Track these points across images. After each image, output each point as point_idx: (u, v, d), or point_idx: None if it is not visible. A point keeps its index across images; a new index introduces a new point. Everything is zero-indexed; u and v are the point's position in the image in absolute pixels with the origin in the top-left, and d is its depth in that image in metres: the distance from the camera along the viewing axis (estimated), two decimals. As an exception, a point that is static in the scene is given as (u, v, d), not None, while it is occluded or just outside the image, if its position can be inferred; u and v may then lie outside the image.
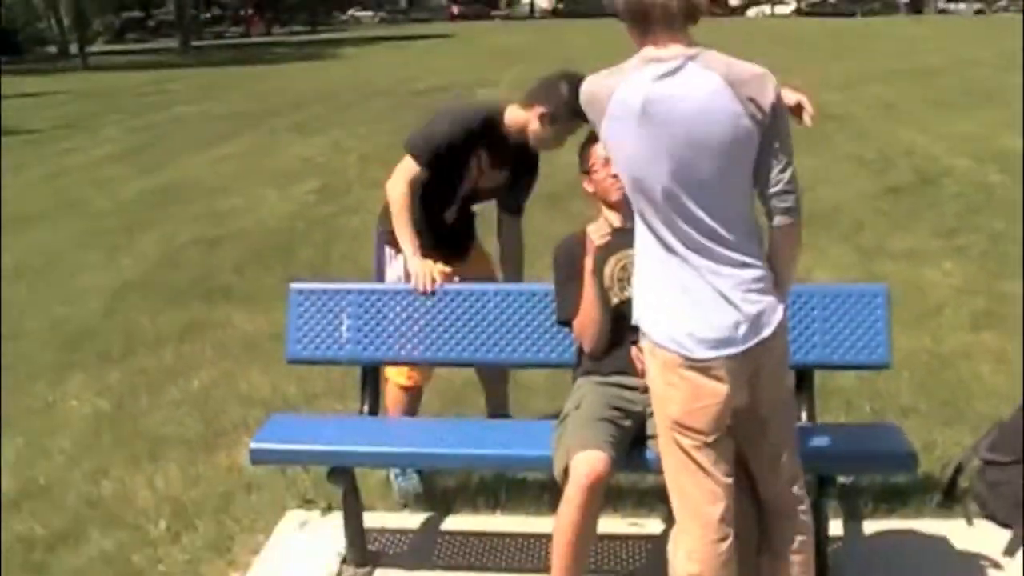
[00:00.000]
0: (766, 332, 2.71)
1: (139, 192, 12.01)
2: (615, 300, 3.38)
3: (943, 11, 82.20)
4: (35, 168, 14.25)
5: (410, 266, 3.92)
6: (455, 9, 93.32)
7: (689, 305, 2.70)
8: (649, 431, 3.31)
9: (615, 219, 3.39)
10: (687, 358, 2.69)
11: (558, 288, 3.56)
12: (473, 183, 4.13)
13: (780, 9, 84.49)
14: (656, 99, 2.59)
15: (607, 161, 3.26)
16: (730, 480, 2.80)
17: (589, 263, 3.32)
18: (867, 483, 4.21)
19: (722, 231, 2.67)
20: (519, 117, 4.02)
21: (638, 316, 2.83)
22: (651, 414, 3.30)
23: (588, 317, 3.37)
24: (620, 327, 3.37)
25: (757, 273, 2.72)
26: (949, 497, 4.10)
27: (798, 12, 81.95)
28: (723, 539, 2.78)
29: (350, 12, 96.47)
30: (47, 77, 35.01)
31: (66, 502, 4.40)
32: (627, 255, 3.36)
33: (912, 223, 8.86)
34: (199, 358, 6.15)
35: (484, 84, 23.77)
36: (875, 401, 5.00)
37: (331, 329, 3.85)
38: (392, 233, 4.06)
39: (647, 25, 2.65)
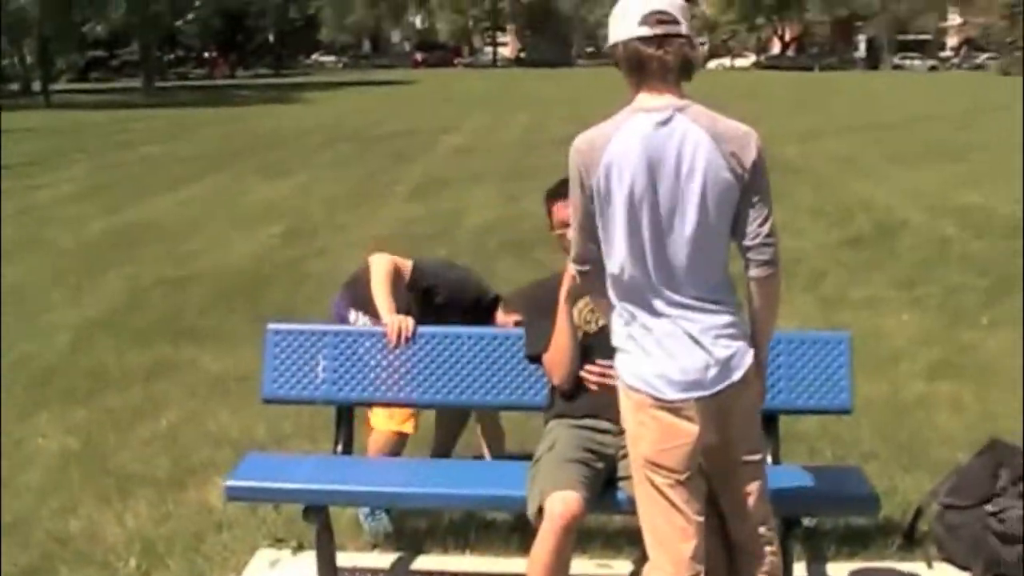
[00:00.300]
0: (736, 376, 2.80)
1: (104, 231, 11.99)
2: (582, 333, 3.47)
3: (898, 67, 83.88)
4: (4, 203, 14.16)
5: (384, 321, 4.00)
6: (418, 56, 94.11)
7: (661, 348, 2.80)
8: (620, 472, 3.39)
9: None
10: (657, 399, 2.79)
11: (528, 325, 3.66)
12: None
13: (739, 62, 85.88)
14: (647, 149, 2.71)
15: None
16: (701, 519, 2.88)
17: (564, 293, 3.40)
18: (830, 526, 4.29)
19: (697, 278, 2.78)
20: (502, 319, 4.22)
21: (615, 359, 2.92)
22: (623, 456, 3.39)
23: (560, 348, 3.46)
24: (588, 364, 3.46)
25: (728, 319, 2.82)
26: (909, 540, 4.20)
27: (757, 65, 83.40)
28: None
29: (314, 56, 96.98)
30: (10, 113, 34.78)
31: (33, 539, 4.38)
32: None
33: (871, 274, 9.05)
34: (166, 398, 6.15)
35: (447, 130, 23.99)
36: (837, 447, 5.10)
37: (307, 369, 3.91)
38: (356, 295, 4.24)
39: (642, 76, 2.78)
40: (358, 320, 4.27)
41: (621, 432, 3.37)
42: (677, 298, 2.79)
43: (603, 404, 3.42)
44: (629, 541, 4.15)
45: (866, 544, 4.19)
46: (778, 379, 3.74)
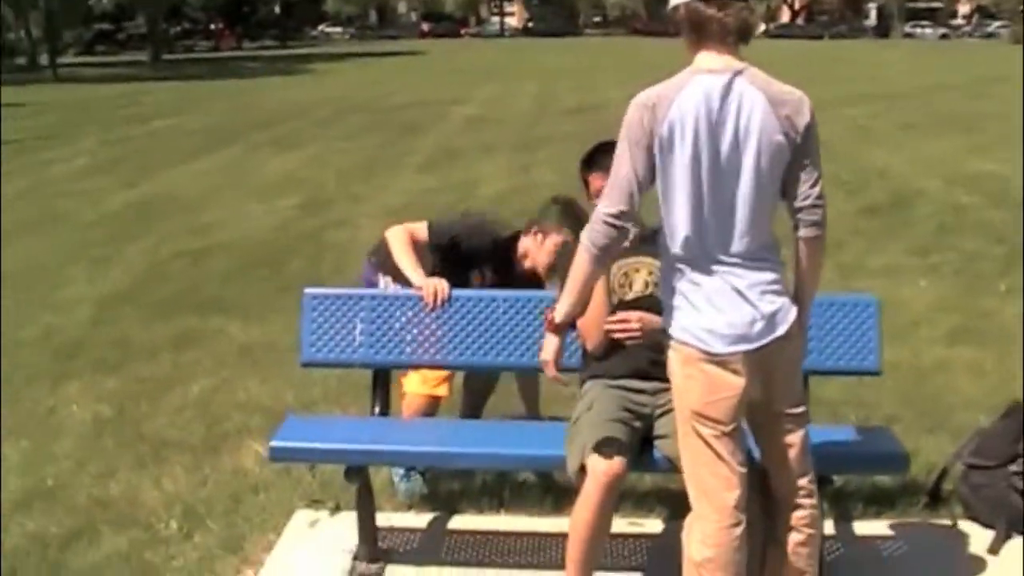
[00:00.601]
0: (781, 330, 2.92)
1: (122, 204, 12.08)
2: (616, 299, 3.56)
3: (909, 35, 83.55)
4: (17, 178, 14.27)
5: (417, 284, 4.07)
6: (425, 27, 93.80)
7: (709, 303, 2.90)
8: (656, 432, 3.48)
9: None
10: (706, 352, 2.89)
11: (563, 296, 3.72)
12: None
13: (756, 27, 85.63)
14: (709, 110, 2.81)
15: None
16: (744, 470, 2.99)
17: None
18: (856, 487, 4.39)
19: (746, 236, 2.89)
20: (524, 243, 4.28)
21: (664, 316, 3.02)
22: (659, 415, 3.49)
23: (595, 315, 3.54)
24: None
25: (773, 275, 2.94)
26: (934, 500, 4.29)
27: (767, 34, 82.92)
28: (736, 524, 2.95)
29: (320, 28, 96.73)
30: (19, 88, 34.86)
31: (76, 502, 4.49)
32: (627, 263, 3.55)
33: (888, 242, 9.12)
34: (196, 367, 6.25)
35: (458, 101, 24.00)
36: (860, 410, 5.19)
37: (345, 333, 3.99)
38: (382, 261, 4.32)
39: (702, 37, 2.88)
40: (388, 286, 4.35)
41: (656, 392, 3.49)
42: (729, 254, 2.90)
43: (638, 364, 3.52)
44: (659, 500, 4.27)
45: (892, 504, 4.29)
46: (808, 340, 3.81)
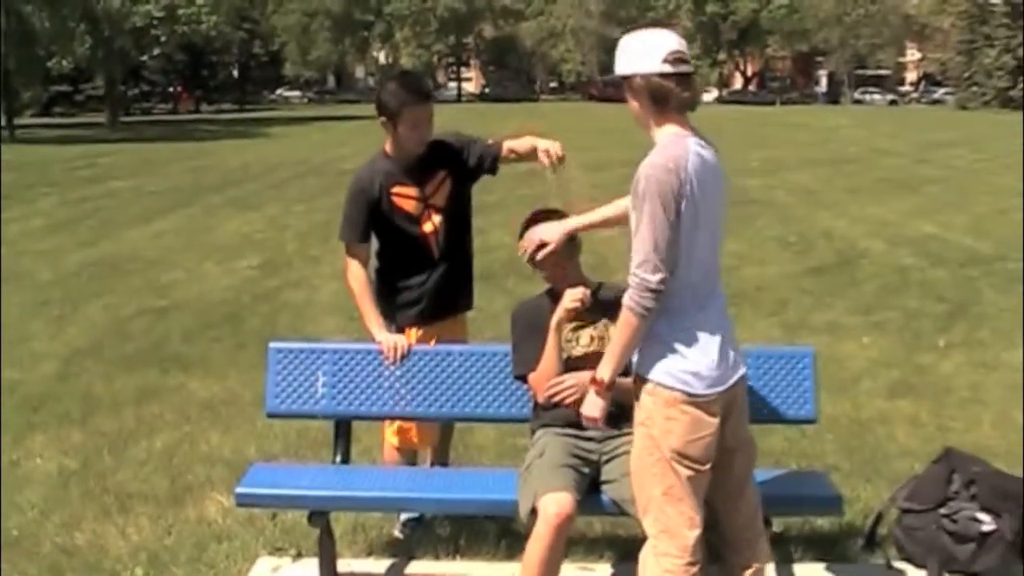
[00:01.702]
0: (742, 370, 3.24)
1: (81, 264, 12.15)
2: (565, 355, 3.77)
3: (859, 101, 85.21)
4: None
5: (378, 339, 4.25)
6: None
7: (696, 348, 3.14)
8: (603, 477, 3.68)
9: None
10: (689, 395, 3.11)
11: (516, 345, 3.94)
12: (420, 211, 4.35)
13: (702, 96, 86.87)
14: (707, 166, 3.10)
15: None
16: (703, 512, 3.21)
17: (556, 321, 3.70)
18: (796, 531, 4.60)
19: (716, 281, 3.22)
20: (388, 145, 4.38)
21: (638, 362, 3.21)
22: (606, 461, 3.69)
23: (546, 371, 3.74)
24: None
25: (730, 322, 3.26)
26: (870, 543, 4.50)
27: (720, 100, 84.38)
28: (695, 563, 3.18)
29: (279, 92, 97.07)
30: (-27, 149, 34.76)
31: (41, 551, 4.61)
32: (576, 323, 3.78)
33: (833, 300, 9.43)
34: (159, 421, 6.37)
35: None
36: (802, 460, 5.42)
37: (308, 385, 4.18)
38: None
39: (663, 107, 3.13)
40: None
41: (603, 439, 3.70)
42: (716, 296, 3.21)
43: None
44: (609, 545, 4.45)
45: (831, 547, 4.51)
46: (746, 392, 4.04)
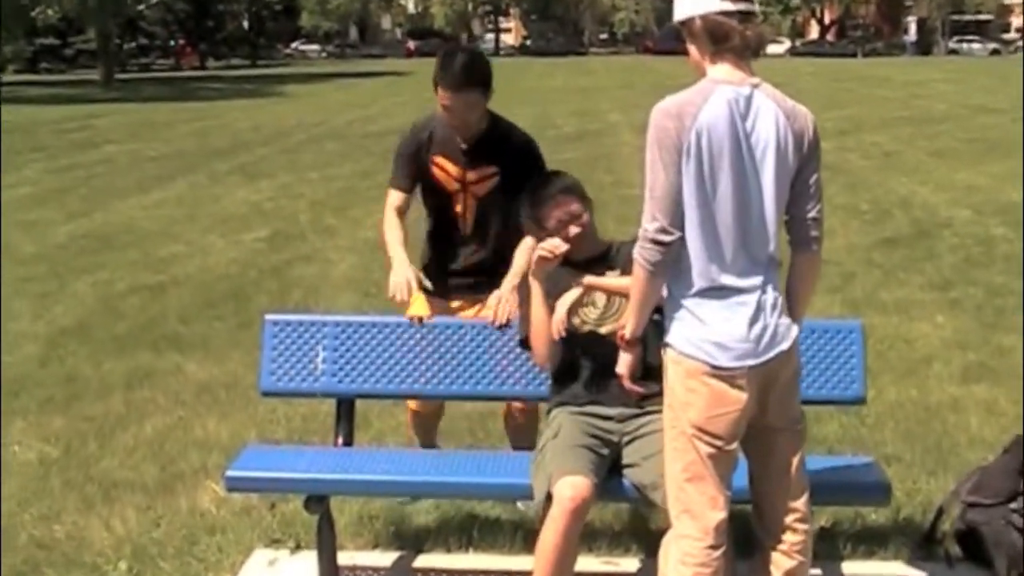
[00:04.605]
0: (784, 345, 3.29)
1: (69, 237, 12.40)
2: (585, 329, 3.90)
3: (954, 51, 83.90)
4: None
5: (390, 278, 4.39)
6: (411, 45, 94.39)
7: (718, 317, 3.23)
8: (625, 460, 3.80)
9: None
10: (712, 366, 3.22)
11: (524, 312, 4.08)
12: (455, 190, 4.59)
13: (772, 48, 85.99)
14: (734, 120, 3.16)
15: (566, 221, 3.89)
16: (729, 493, 3.32)
17: (532, 271, 3.86)
18: (846, 525, 4.70)
19: (769, 247, 3.27)
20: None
21: (666, 327, 3.33)
22: (627, 443, 3.81)
23: (537, 326, 3.90)
24: (589, 356, 3.88)
25: (777, 292, 3.32)
26: (930, 540, 4.59)
27: (792, 52, 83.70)
28: (718, 547, 3.29)
29: (294, 45, 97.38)
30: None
31: (16, 544, 4.78)
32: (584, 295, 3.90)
33: (905, 276, 9.49)
34: (150, 406, 6.56)
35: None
36: (857, 449, 5.50)
37: (307, 361, 4.32)
38: None
39: (720, 49, 3.22)
40: None
41: (624, 419, 3.82)
42: (756, 264, 3.26)
43: (605, 390, 3.85)
44: (635, 539, 4.58)
45: (883, 544, 4.59)
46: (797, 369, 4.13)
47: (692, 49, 3.29)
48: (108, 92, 45.87)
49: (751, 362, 3.23)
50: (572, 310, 3.87)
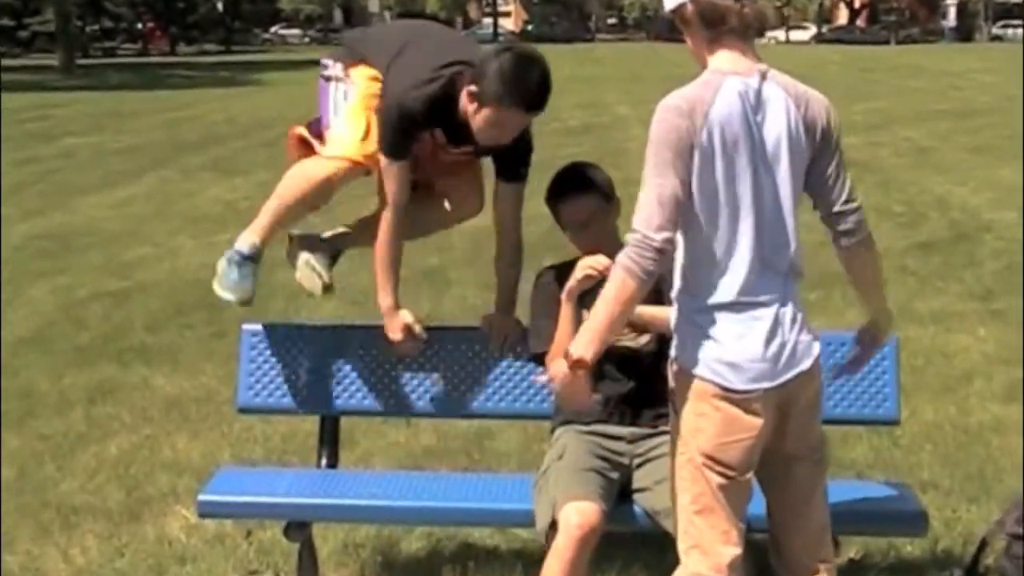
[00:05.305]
0: (805, 364, 3.23)
1: (26, 238, 12.37)
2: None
3: (997, 38, 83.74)
4: None
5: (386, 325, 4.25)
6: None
7: (731, 334, 3.18)
8: (635, 484, 3.80)
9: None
10: (724, 388, 3.17)
11: (535, 319, 4.07)
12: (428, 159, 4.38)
13: (797, 35, 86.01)
14: (747, 113, 3.13)
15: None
16: (743, 527, 3.27)
17: (569, 287, 3.79)
18: (878, 558, 4.70)
19: (777, 261, 3.22)
20: (462, 94, 4.15)
21: (674, 342, 3.30)
22: (638, 465, 3.81)
23: (562, 348, 3.85)
24: (599, 372, 3.88)
25: (798, 305, 3.27)
26: (971, 574, 4.58)
27: (818, 39, 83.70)
28: None
29: (273, 30, 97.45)
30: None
31: (-38, 577, 4.79)
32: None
33: (943, 283, 9.50)
34: (114, 423, 6.56)
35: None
36: (891, 475, 5.48)
37: (288, 374, 4.33)
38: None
39: (719, 32, 3.19)
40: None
41: (635, 439, 3.82)
42: (760, 276, 3.19)
43: (615, 408, 3.85)
44: (647, 570, 4.57)
45: (920, 578, 4.60)
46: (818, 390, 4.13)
47: (690, 42, 3.27)
48: (68, 79, 45.85)
49: (767, 384, 3.17)
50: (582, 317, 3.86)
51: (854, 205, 3.30)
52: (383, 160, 4.23)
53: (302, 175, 4.42)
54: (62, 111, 29.40)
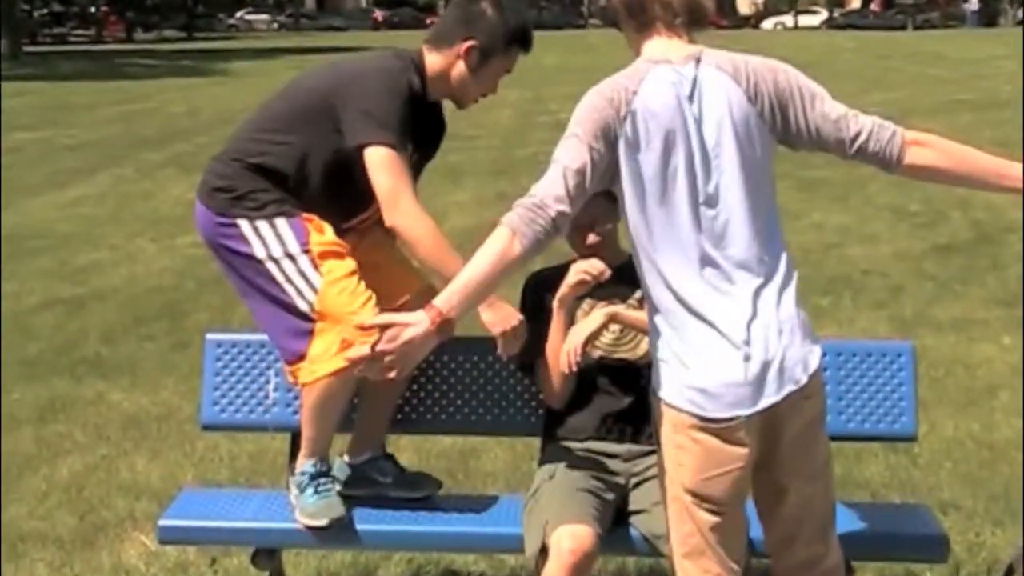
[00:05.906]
0: (794, 383, 3.09)
1: (-31, 241, 12.38)
2: (597, 354, 3.90)
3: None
4: None
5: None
6: (379, 15, 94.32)
7: (704, 352, 3.07)
8: (632, 506, 3.81)
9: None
10: (701, 418, 3.07)
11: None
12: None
13: (806, 20, 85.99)
14: (678, 105, 3.10)
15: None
16: (739, 568, 3.22)
17: (562, 294, 3.83)
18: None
19: (751, 243, 3.12)
20: (437, 64, 4.16)
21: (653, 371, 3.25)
22: (635, 485, 3.82)
23: (554, 357, 3.87)
24: (595, 385, 3.91)
25: (787, 313, 3.13)
26: (995, 603, 4.60)
27: (829, 24, 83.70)
28: None
29: (239, 15, 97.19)
30: None
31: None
32: (596, 302, 3.90)
33: (964, 289, 9.53)
34: (66, 442, 6.56)
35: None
36: (908, 495, 5.51)
37: (255, 389, 4.32)
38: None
39: (644, 22, 3.21)
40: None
41: (632, 457, 3.83)
42: (723, 279, 3.09)
43: (609, 423, 3.86)
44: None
45: (941, 606, 4.61)
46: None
47: (623, 32, 3.29)
48: (15, 67, 45.67)
49: (746, 411, 3.05)
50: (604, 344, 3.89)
51: (868, 125, 3.25)
52: (389, 153, 4.12)
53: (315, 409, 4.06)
54: (8, 102, 29.21)
